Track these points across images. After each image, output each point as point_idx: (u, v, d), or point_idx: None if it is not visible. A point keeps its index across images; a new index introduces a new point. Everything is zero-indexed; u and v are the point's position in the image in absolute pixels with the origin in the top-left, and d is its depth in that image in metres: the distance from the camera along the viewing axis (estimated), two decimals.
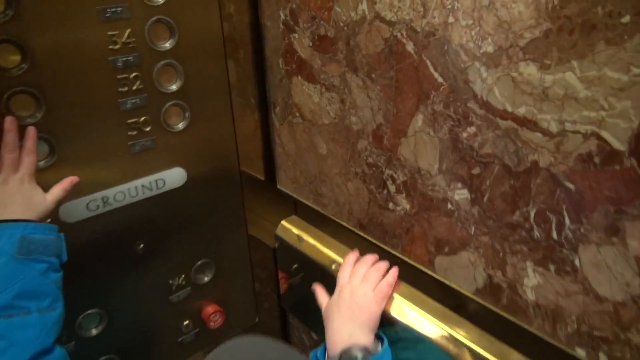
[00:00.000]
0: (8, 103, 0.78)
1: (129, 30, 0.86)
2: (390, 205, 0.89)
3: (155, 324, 1.12)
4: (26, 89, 0.78)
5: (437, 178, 0.78)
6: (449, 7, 0.66)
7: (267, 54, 1.04)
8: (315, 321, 1.01)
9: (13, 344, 0.66)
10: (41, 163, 0.83)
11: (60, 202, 0.84)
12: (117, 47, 0.85)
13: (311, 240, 1.11)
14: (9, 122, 0.75)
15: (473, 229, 0.76)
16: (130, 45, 0.87)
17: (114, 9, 0.83)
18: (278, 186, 1.19)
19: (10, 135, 0.75)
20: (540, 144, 0.62)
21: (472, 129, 0.70)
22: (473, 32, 0.65)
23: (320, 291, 0.98)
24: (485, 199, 0.72)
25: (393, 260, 0.93)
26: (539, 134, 0.62)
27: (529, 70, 0.60)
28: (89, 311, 0.99)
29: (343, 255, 1.01)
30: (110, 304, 1.01)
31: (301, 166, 1.09)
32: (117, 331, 1.04)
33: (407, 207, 0.86)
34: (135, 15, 0.86)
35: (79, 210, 0.90)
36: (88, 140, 0.87)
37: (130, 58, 0.87)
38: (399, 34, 0.75)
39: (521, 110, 0.63)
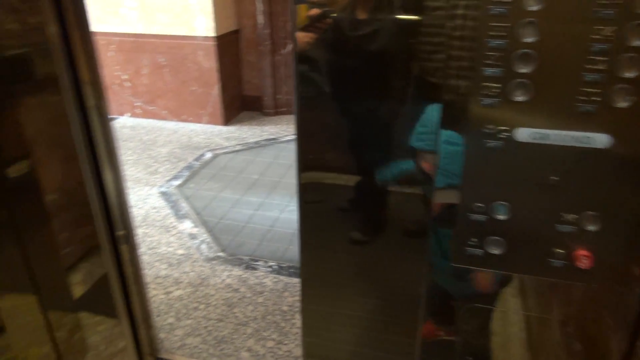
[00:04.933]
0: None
1: None
2: None
3: (537, 239, 1.42)
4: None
5: None
6: None
7: None
8: None
9: None
10: None
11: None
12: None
13: None
14: None
15: None
16: None
17: None
18: None
19: None
20: None
21: None
22: None
23: None
24: None
25: None
26: None
27: None
28: (499, 202, 1.39)
29: None
30: (514, 200, 1.37)
31: None
32: (517, 222, 1.39)
33: None
34: None
35: (525, 136, 1.27)
36: None
37: None
38: None
39: None
